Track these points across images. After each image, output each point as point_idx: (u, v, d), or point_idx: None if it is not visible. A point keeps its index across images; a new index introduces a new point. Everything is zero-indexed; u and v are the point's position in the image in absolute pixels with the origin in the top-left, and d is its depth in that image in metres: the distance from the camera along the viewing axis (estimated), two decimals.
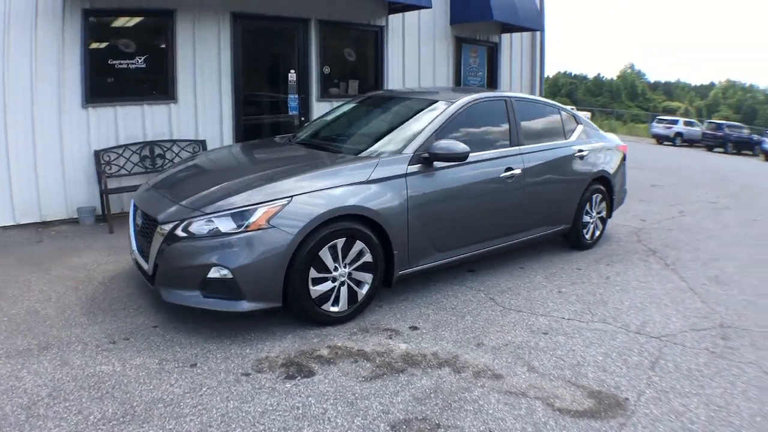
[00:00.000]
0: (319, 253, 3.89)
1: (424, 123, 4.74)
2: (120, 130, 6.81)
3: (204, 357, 3.59)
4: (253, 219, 3.70)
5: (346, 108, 5.97)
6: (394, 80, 9.59)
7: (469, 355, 3.76)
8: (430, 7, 8.59)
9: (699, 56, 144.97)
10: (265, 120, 8.37)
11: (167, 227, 3.78)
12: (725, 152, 28.00)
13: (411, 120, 4.95)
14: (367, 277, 4.20)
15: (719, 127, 30.19)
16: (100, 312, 4.19)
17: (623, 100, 64.66)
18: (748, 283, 5.40)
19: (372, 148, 4.61)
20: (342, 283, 4.07)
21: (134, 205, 4.47)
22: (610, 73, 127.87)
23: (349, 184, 4.07)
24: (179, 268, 3.74)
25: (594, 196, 6.16)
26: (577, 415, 3.11)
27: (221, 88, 7.55)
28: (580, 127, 6.21)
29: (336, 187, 4.02)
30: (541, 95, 12.02)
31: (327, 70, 8.73)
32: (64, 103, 6.35)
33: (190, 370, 3.41)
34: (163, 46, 7.08)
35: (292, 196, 3.83)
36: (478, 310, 4.49)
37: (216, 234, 3.68)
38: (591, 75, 75.29)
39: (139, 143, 6.90)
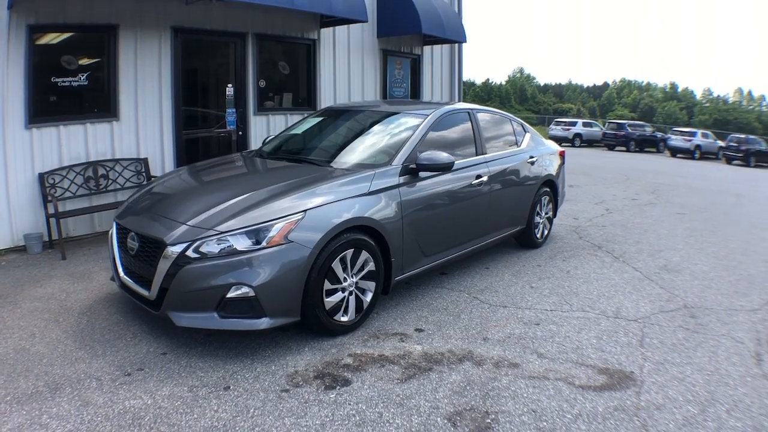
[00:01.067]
0: (332, 265, 3.97)
1: (404, 136, 4.96)
2: (63, 150, 6.36)
3: (233, 378, 3.53)
4: (271, 235, 3.71)
5: (312, 122, 6.03)
6: (326, 92, 9.70)
7: (481, 350, 4.02)
8: (367, 21, 8.77)
9: (591, 58, 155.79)
10: (202, 135, 8.17)
11: (176, 249, 3.67)
12: (628, 151, 29.81)
13: (388, 133, 5.18)
14: (371, 286, 4.33)
15: (621, 126, 31.91)
16: (96, 344, 3.95)
17: (513, 104, 67.96)
18: (698, 270, 6.13)
19: (358, 161, 4.75)
20: (350, 293, 4.18)
21: (119, 227, 4.28)
22: (500, 78, 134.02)
23: (354, 197, 4.19)
24: (193, 290, 3.64)
25: (543, 198, 6.71)
26: (597, 390, 3.49)
27: (161, 103, 7.27)
28: (528, 135, 6.74)
29: (343, 199, 4.12)
30: (458, 101, 12.58)
31: (263, 83, 8.67)
32: (7, 124, 5.84)
33: (226, 394, 3.36)
34: (106, 62, 6.72)
35: (305, 211, 3.88)
36: (469, 309, 4.76)
37: (232, 252, 3.64)
38: (479, 81, 77.94)
39: (83, 164, 6.49)
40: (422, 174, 4.74)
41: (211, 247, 3.65)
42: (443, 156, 4.68)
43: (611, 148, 30.54)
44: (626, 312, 4.81)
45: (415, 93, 11.88)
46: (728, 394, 3.52)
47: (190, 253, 3.65)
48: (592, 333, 4.33)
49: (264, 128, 8.66)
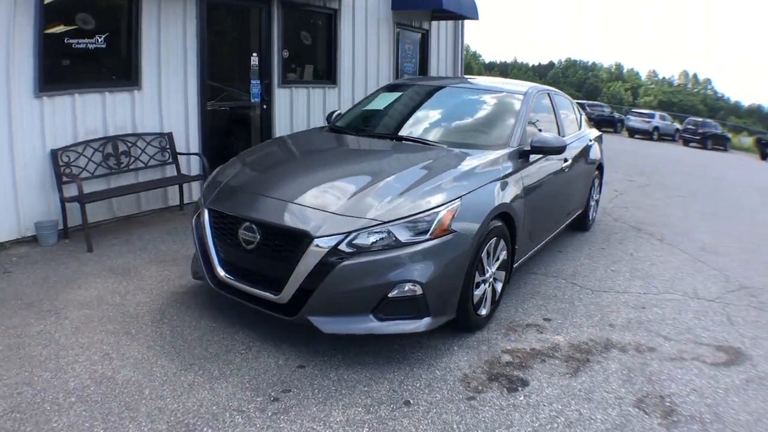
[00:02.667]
0: (481, 255, 3.57)
1: (509, 116, 4.63)
2: (78, 123, 5.36)
3: (404, 390, 3.07)
4: (435, 225, 3.22)
5: (389, 97, 5.43)
6: (345, 65, 8.97)
7: (616, 336, 3.91)
8: None
9: (538, 37, 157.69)
10: (226, 109, 7.23)
11: (326, 243, 3.08)
12: None
13: (489, 113, 4.86)
14: (501, 275, 3.99)
15: (581, 106, 32.23)
16: (203, 361, 3.24)
17: None
18: (730, 251, 6.23)
19: (473, 142, 4.37)
20: (489, 284, 3.81)
21: (219, 216, 3.54)
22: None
23: (493, 181, 3.81)
24: (349, 291, 3.09)
25: (595, 180, 6.53)
26: (725, 365, 3.59)
27: (186, 72, 6.36)
28: (583, 118, 6.53)
29: (486, 184, 3.72)
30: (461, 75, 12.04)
31: (286, 54, 7.81)
32: (13, 91, 4.79)
33: (409, 409, 2.90)
34: (126, 24, 5.73)
35: (461, 197, 3.44)
36: (577, 296, 4.58)
37: (394, 245, 3.12)
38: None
39: (101, 139, 5.53)
40: (532, 156, 4.41)
41: (367, 239, 3.12)
42: (556, 138, 4.43)
43: None
44: (702, 293, 4.86)
45: (424, 68, 11.29)
46: None
47: (343, 247, 3.08)
48: (689, 314, 4.38)
49: (287, 102, 7.85)
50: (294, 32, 8.10)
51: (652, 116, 30.27)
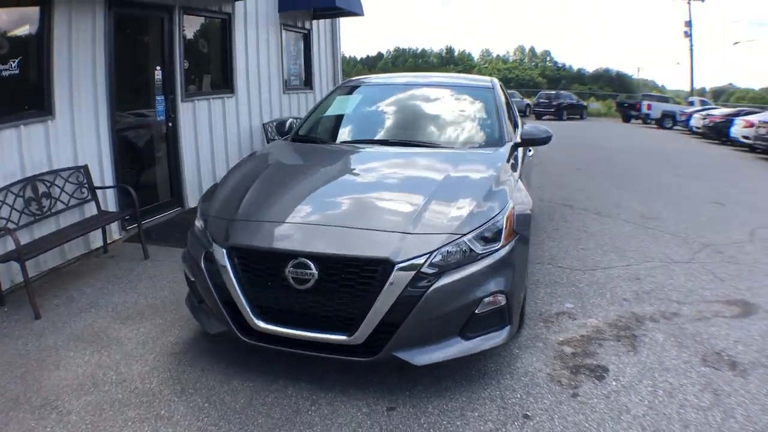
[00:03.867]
0: None
1: (488, 112, 4.71)
2: None
3: (515, 404, 3.04)
4: (504, 230, 3.17)
5: (353, 100, 5.27)
6: (240, 72, 8.47)
7: (637, 309, 4.31)
8: None
9: (364, 30, 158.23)
10: (134, 131, 6.52)
11: (411, 266, 2.86)
12: None
13: (468, 109, 4.88)
14: None
15: None
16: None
17: None
18: (667, 215, 7.16)
19: (478, 141, 4.43)
20: None
21: (246, 253, 3.10)
22: None
23: (515, 178, 3.87)
24: (440, 315, 2.91)
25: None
26: (743, 316, 4.19)
27: (96, 93, 5.53)
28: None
29: (515, 182, 3.78)
30: (340, 77, 12.03)
31: (186, 64, 7.22)
32: None
33: (535, 422, 2.90)
34: (37, 44, 4.85)
35: (510, 197, 3.44)
36: (575, 278, 4.96)
37: (474, 258, 3.01)
38: None
39: (21, 181, 4.68)
40: (519, 150, 4.53)
41: (447, 256, 2.96)
42: (540, 129, 4.57)
43: None
44: (676, 256, 5.58)
45: (308, 69, 11.03)
46: None
47: (426, 269, 2.88)
48: (681, 277, 4.93)
49: (191, 117, 7.23)
50: (193, 41, 7.43)
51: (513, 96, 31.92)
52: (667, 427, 2.80)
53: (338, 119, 5.07)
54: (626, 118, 29.95)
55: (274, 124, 8.49)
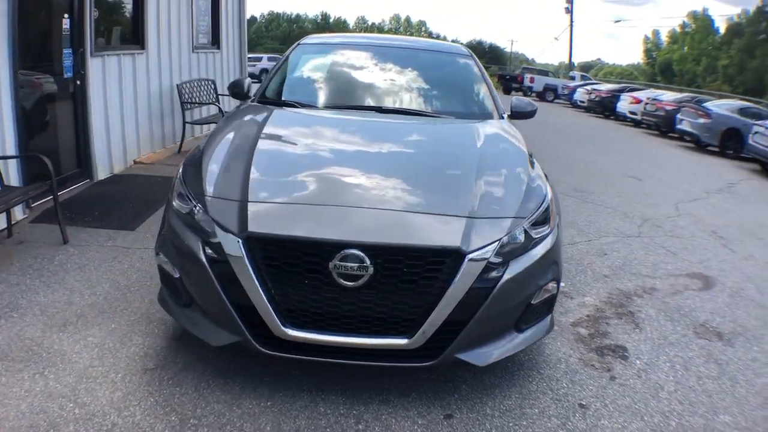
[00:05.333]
0: None
1: (479, 81, 4.46)
2: None
3: (567, 394, 2.91)
4: (550, 213, 2.92)
5: (321, 60, 4.69)
6: (151, 26, 7.39)
7: (620, 285, 4.50)
8: None
9: None
10: (40, 91, 5.40)
11: (481, 256, 2.50)
12: None
13: (453, 77, 4.57)
14: None
15: None
16: None
17: None
18: (598, 188, 7.64)
19: (479, 111, 4.19)
20: None
21: (275, 244, 2.52)
22: None
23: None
24: (506, 309, 2.63)
25: None
26: (708, 289, 4.62)
27: None
28: None
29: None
30: (246, 37, 11.20)
31: (96, 13, 6.13)
32: None
33: (593, 410, 2.82)
34: None
35: (543, 176, 3.25)
36: None
37: (531, 245, 2.72)
38: None
39: None
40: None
41: (508, 244, 2.63)
42: (528, 102, 4.41)
43: None
44: (626, 230, 6.00)
45: (216, 26, 10.00)
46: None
47: (494, 259, 2.53)
48: (640, 252, 5.33)
49: (100, 75, 6.16)
50: None
51: None
52: (696, 399, 2.97)
53: (315, 82, 4.47)
54: (507, 90, 31.19)
55: (192, 84, 7.57)
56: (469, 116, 4.04)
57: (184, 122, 8.11)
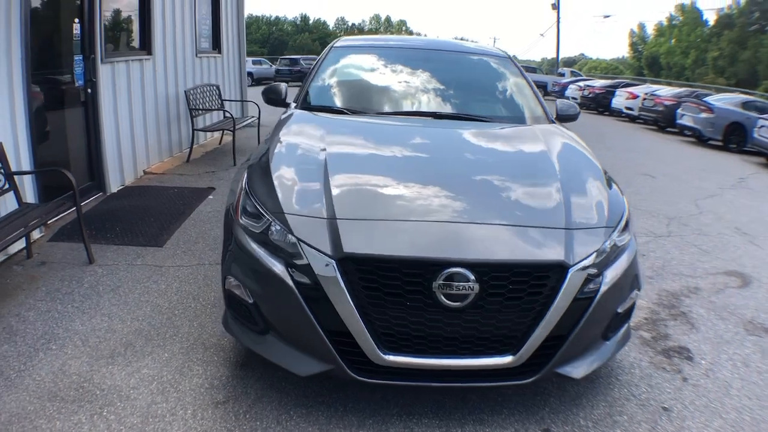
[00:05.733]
0: None
1: (522, 84, 4.30)
2: None
3: (650, 398, 2.83)
4: (628, 217, 2.83)
5: (362, 63, 4.50)
6: (158, 31, 7.06)
7: (666, 286, 4.40)
8: None
9: None
10: (48, 102, 5.05)
11: (583, 267, 2.39)
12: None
13: (496, 80, 4.42)
14: None
15: (295, 61, 31.41)
16: None
17: None
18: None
19: (530, 115, 4.00)
20: None
21: (377, 265, 2.31)
22: None
23: None
24: (599, 320, 2.53)
25: None
26: (746, 287, 4.57)
27: (11, 56, 4.17)
28: None
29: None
30: (245, 40, 10.90)
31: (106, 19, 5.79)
32: None
33: (676, 412, 2.65)
34: None
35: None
36: None
37: (619, 252, 2.62)
38: None
39: None
40: None
41: (603, 252, 2.54)
42: (570, 104, 4.29)
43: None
44: (656, 230, 5.93)
45: (217, 30, 9.67)
46: None
47: (592, 269, 2.43)
48: (675, 251, 5.26)
49: (110, 82, 5.83)
50: None
51: None
52: (762, 393, 2.99)
53: (361, 87, 4.22)
54: None
55: (198, 90, 7.21)
56: (521, 120, 3.89)
57: (193, 130, 7.75)
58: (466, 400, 2.74)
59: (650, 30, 63.25)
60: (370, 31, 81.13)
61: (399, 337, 2.35)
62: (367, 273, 2.30)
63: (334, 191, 2.58)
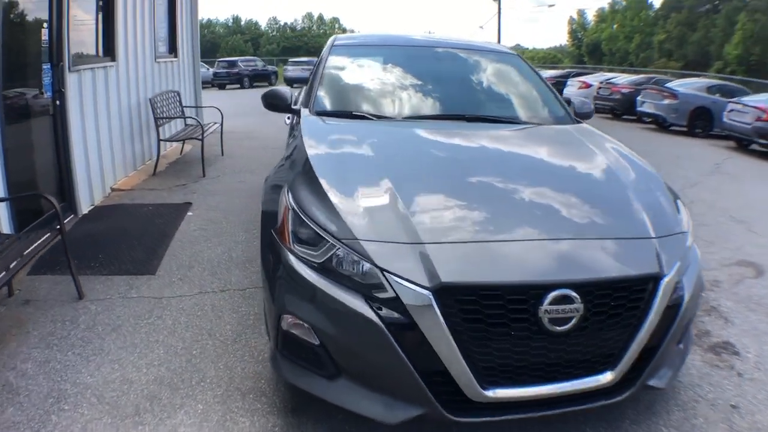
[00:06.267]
0: None
1: (539, 82, 4.21)
2: None
3: (717, 398, 2.82)
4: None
5: (368, 63, 4.25)
6: (120, 34, 6.54)
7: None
8: None
9: None
10: (17, 116, 4.51)
11: (672, 276, 2.31)
12: (242, 87, 28.10)
13: (508, 78, 4.27)
14: None
15: (233, 63, 30.45)
16: None
17: None
18: None
19: (554, 116, 3.87)
20: None
21: (476, 294, 2.09)
22: None
23: None
24: (682, 327, 2.47)
25: None
26: (763, 276, 4.65)
27: None
28: None
29: None
30: (199, 42, 10.39)
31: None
32: None
33: (744, 407, 2.76)
34: None
35: None
36: None
37: (686, 253, 2.54)
38: None
39: None
40: None
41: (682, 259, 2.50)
42: (584, 102, 4.24)
43: (222, 87, 29.03)
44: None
45: (173, 33, 9.13)
46: None
47: (677, 277, 2.35)
48: None
49: (77, 92, 5.32)
50: None
51: (311, 63, 31.30)
52: None
53: (380, 89, 3.92)
54: None
55: (162, 97, 6.72)
56: (552, 121, 3.77)
57: (159, 140, 7.23)
58: (549, 424, 2.60)
59: (591, 17, 64.10)
60: (304, 30, 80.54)
61: (499, 370, 2.16)
62: (467, 303, 2.08)
63: (411, 212, 2.33)
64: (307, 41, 74.39)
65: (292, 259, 2.35)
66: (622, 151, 3.23)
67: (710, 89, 15.03)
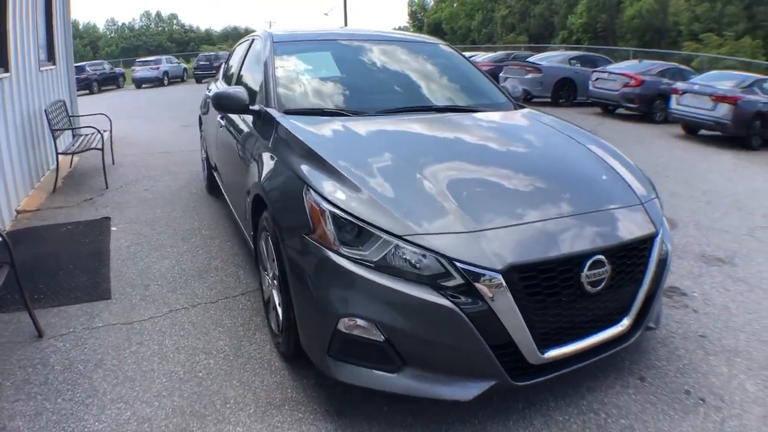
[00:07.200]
0: None
1: (476, 70, 4.49)
2: None
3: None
4: None
5: (317, 61, 4.08)
6: (12, 41, 5.91)
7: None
8: None
9: None
10: None
11: (661, 232, 2.88)
12: (91, 93, 25.24)
13: (447, 67, 4.41)
14: None
15: (81, 69, 27.71)
16: None
17: None
18: None
19: (501, 101, 4.11)
20: None
21: (535, 270, 2.36)
22: None
23: None
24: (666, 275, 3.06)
25: None
26: (725, 262, 4.77)
27: None
28: None
29: None
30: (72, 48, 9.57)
31: None
32: None
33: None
34: None
35: None
36: None
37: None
38: None
39: None
40: None
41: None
42: (514, 87, 4.56)
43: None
44: None
45: (51, 39, 8.31)
46: None
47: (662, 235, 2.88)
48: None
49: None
50: None
51: (159, 62, 29.92)
52: (757, 306, 3.83)
53: (341, 84, 3.89)
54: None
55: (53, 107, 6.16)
56: (502, 106, 3.99)
57: (57, 154, 6.60)
58: (564, 379, 2.85)
59: None
60: (143, 29, 77.60)
61: (552, 333, 2.45)
62: (529, 279, 2.33)
63: (455, 202, 2.50)
64: (146, 40, 71.49)
65: (342, 261, 2.34)
66: (580, 130, 3.62)
67: (572, 60, 15.86)
